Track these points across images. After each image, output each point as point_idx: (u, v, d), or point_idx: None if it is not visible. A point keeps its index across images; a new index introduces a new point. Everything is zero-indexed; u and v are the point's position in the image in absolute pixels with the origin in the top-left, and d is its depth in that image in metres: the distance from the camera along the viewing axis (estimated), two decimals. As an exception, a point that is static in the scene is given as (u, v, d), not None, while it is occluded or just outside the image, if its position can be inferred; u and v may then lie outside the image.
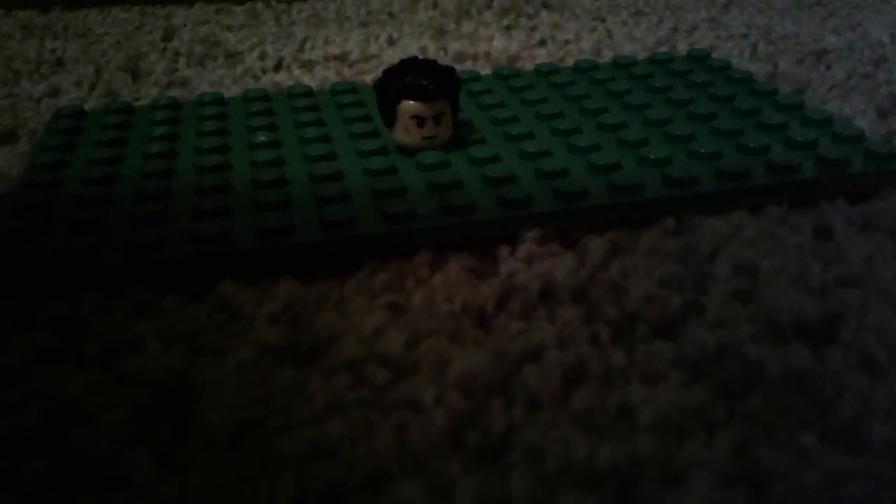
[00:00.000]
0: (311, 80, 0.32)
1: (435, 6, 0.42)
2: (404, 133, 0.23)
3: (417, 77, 0.22)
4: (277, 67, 0.35)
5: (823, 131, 0.23)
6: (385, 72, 0.23)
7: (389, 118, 0.23)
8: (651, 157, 0.22)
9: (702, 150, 0.22)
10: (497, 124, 0.25)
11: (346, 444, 0.14)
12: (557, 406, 0.15)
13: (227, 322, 0.17)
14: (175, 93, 0.31)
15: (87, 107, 0.29)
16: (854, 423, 0.14)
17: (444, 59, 0.34)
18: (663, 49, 0.34)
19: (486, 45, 0.36)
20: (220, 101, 0.28)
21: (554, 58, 0.33)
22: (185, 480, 0.13)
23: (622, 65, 0.29)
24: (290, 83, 0.32)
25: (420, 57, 0.23)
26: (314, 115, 0.26)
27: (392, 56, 0.34)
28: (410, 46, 0.36)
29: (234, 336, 0.17)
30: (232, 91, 0.31)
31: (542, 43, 0.36)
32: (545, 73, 0.29)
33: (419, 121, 0.23)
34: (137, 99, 0.31)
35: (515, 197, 0.20)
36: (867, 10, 0.39)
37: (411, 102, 0.22)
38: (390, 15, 0.41)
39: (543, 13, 0.41)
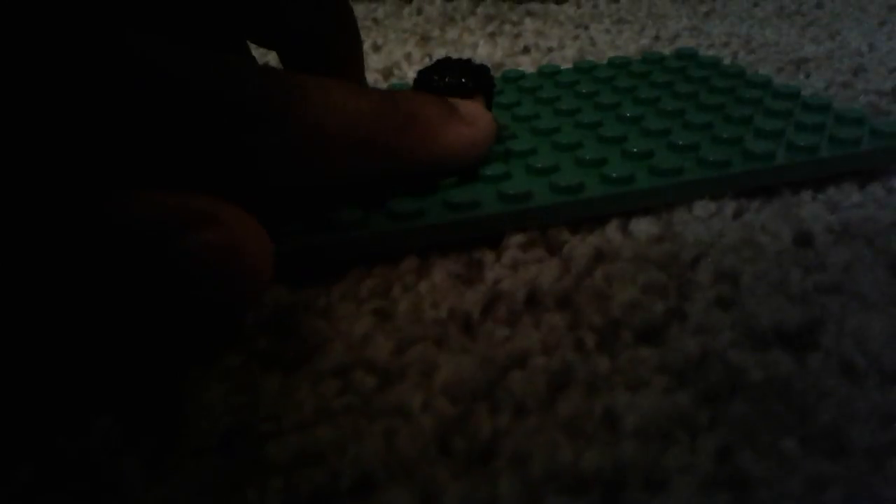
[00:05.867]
0: (296, 86, 0.32)
1: (419, 12, 0.42)
2: None
3: (457, 75, 0.23)
4: (262, 73, 0.34)
5: (827, 114, 0.24)
6: (420, 72, 0.23)
7: None
8: (680, 142, 0.23)
9: (725, 135, 0.23)
10: (541, 133, 0.25)
11: (334, 450, 0.14)
12: (543, 412, 0.15)
13: (214, 328, 0.17)
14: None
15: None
16: (834, 429, 0.14)
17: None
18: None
19: (470, 52, 0.36)
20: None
21: (538, 65, 0.34)
22: (174, 487, 0.13)
23: (618, 64, 0.29)
24: (275, 89, 0.32)
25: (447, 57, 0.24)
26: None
27: (377, 62, 0.34)
28: (395, 52, 0.36)
29: (221, 342, 0.17)
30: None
31: (527, 50, 0.36)
32: (549, 73, 0.29)
33: None
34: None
35: (564, 184, 0.20)
36: (846, 20, 0.39)
37: None
38: (375, 21, 0.42)
39: (527, 20, 0.41)
